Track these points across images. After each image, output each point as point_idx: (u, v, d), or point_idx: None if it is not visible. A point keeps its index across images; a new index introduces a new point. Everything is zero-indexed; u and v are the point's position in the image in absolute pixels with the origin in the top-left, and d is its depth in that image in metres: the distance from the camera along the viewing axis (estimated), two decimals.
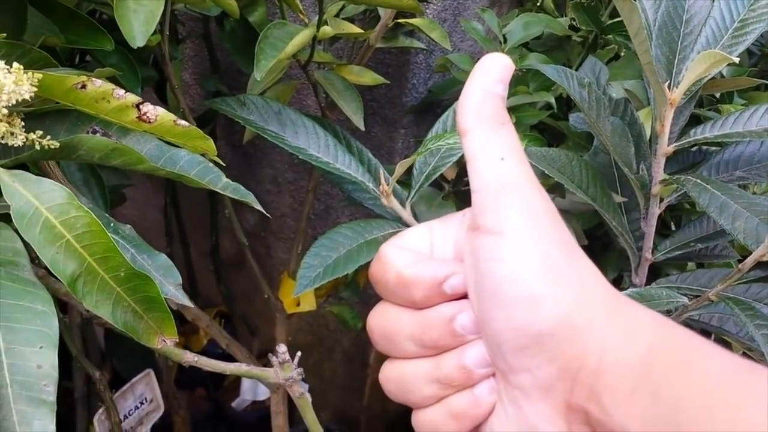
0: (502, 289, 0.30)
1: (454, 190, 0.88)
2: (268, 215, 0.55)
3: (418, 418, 0.34)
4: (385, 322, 0.34)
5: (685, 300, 0.72)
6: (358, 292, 1.12)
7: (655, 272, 0.89)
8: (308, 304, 1.05)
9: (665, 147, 0.76)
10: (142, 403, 1.05)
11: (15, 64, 0.39)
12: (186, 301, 0.50)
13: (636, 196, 0.82)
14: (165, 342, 0.49)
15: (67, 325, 0.97)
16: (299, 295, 1.03)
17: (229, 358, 1.53)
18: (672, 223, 1.04)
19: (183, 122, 0.46)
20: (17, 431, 0.39)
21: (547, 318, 0.29)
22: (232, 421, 1.47)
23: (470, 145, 0.31)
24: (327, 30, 0.71)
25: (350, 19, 0.80)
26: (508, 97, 0.88)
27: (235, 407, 1.48)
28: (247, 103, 0.72)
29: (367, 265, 0.69)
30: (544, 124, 0.97)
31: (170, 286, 0.49)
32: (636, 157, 0.81)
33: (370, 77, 0.81)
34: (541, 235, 0.30)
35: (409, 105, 1.06)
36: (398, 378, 0.34)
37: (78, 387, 1.05)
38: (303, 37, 0.65)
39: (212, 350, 1.49)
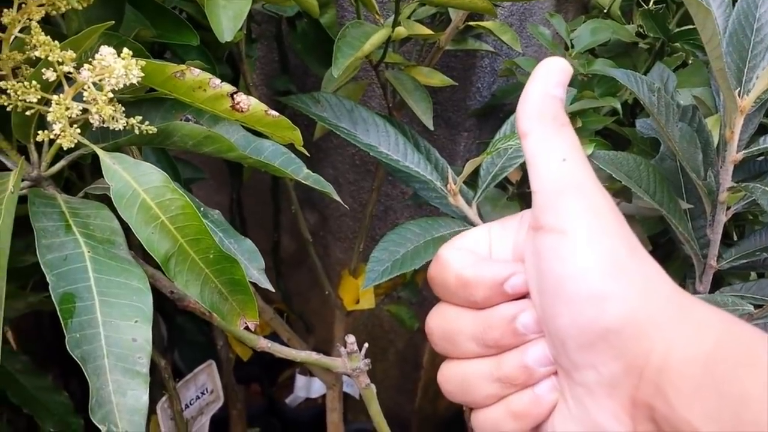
0: (566, 287, 0.30)
1: (518, 192, 0.88)
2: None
3: (478, 418, 0.34)
4: (444, 323, 0.35)
5: (751, 308, 0.72)
6: (417, 292, 1.13)
7: (717, 282, 0.88)
8: (367, 302, 1.06)
9: (734, 154, 0.76)
10: (203, 393, 1.07)
11: (125, 50, 0.41)
12: (268, 285, 0.52)
13: (702, 203, 0.82)
14: (246, 324, 0.51)
15: None
16: (360, 293, 1.05)
17: None
18: (734, 232, 1.03)
19: (273, 112, 0.48)
20: (113, 400, 0.41)
21: (613, 315, 0.29)
22: (285, 417, 1.50)
23: (531, 146, 0.32)
24: (401, 31, 0.73)
25: (420, 22, 0.82)
26: (573, 102, 0.89)
27: (289, 404, 1.50)
28: (321, 100, 0.74)
29: (426, 265, 0.70)
30: (609, 130, 0.97)
31: (254, 270, 0.51)
32: (704, 164, 0.81)
33: (438, 79, 0.82)
34: (605, 233, 0.30)
35: (472, 108, 1.07)
36: (458, 378, 0.35)
37: None
38: (379, 36, 0.66)
39: None
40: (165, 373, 0.99)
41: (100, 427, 0.40)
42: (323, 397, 1.50)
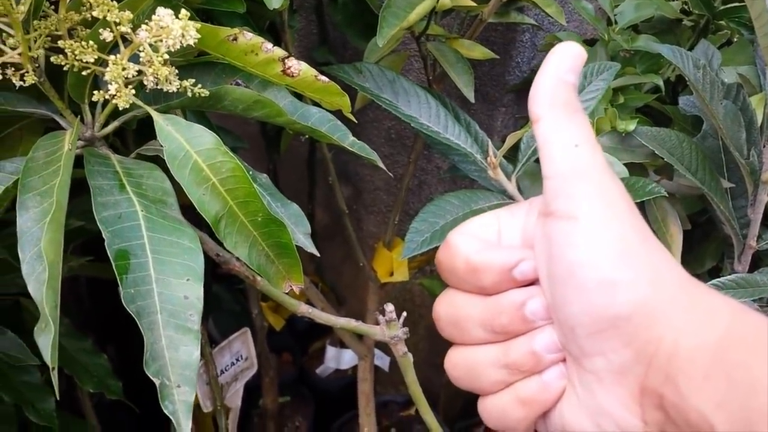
0: (577, 274, 0.30)
1: None
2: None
3: (485, 405, 0.34)
4: (452, 309, 0.35)
5: None
6: None
7: (755, 263, 0.87)
8: (401, 274, 1.07)
9: None
10: (237, 360, 1.09)
11: (183, 11, 0.42)
12: (313, 249, 0.53)
13: (744, 182, 0.81)
14: (291, 287, 0.52)
15: None
16: (394, 265, 1.06)
17: (316, 324, 1.57)
18: None
19: (323, 78, 0.48)
20: (165, 355, 0.42)
21: (624, 301, 0.29)
22: (315, 387, 1.52)
23: (543, 131, 0.31)
24: (445, 2, 0.72)
25: None
26: (615, 78, 0.88)
27: (319, 374, 1.52)
28: (363, 70, 0.74)
29: None
30: (650, 108, 0.96)
31: (300, 235, 0.52)
32: (747, 142, 0.80)
33: (480, 52, 0.82)
34: (616, 220, 0.30)
35: (511, 83, 1.07)
36: (465, 364, 0.34)
37: None
38: (424, 7, 0.66)
39: (299, 318, 1.54)
40: (202, 339, 1.00)
41: (154, 380, 0.41)
42: (353, 368, 1.52)
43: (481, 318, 0.33)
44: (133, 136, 0.80)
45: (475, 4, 0.78)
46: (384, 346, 1.45)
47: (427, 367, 1.53)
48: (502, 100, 1.09)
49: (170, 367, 0.41)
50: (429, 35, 0.82)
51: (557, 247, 0.31)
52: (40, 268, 0.40)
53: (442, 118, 0.76)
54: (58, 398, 0.42)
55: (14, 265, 0.83)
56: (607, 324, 0.29)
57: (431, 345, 1.44)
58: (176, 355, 0.42)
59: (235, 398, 1.12)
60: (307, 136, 1.14)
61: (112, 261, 0.42)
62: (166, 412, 0.41)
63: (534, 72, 1.05)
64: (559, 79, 0.32)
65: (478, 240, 0.34)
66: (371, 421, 1.17)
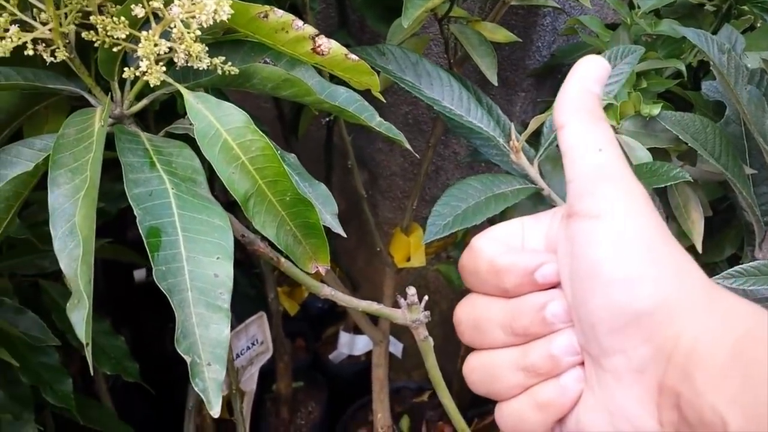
0: (599, 271, 0.30)
1: None
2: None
3: (501, 410, 0.35)
4: (474, 312, 0.35)
5: None
6: None
7: None
8: (418, 260, 1.06)
9: None
10: (253, 344, 1.09)
11: None
12: (340, 230, 0.52)
13: (766, 168, 0.80)
14: (317, 268, 0.52)
15: None
16: (411, 250, 1.05)
17: (330, 310, 1.57)
18: None
19: (353, 56, 0.48)
20: (196, 332, 0.42)
21: (646, 297, 0.29)
22: (328, 373, 1.52)
23: (568, 137, 0.33)
24: None
25: None
26: (638, 63, 0.87)
27: (332, 360, 1.52)
28: (386, 52, 0.74)
29: (482, 225, 0.70)
30: (671, 93, 0.95)
31: (327, 215, 0.52)
32: None
33: (502, 35, 0.82)
34: (640, 219, 0.31)
35: (531, 68, 1.06)
36: (483, 368, 0.35)
37: None
38: None
39: (313, 303, 1.54)
40: None
41: (184, 357, 0.41)
42: (366, 355, 1.52)
43: (502, 320, 0.34)
44: (155, 117, 0.80)
45: None
46: (396, 332, 1.45)
47: (440, 354, 1.53)
48: (522, 84, 1.08)
49: (201, 344, 0.41)
50: (451, 17, 0.81)
51: (580, 246, 0.31)
52: (72, 244, 0.40)
53: (465, 101, 0.75)
54: (92, 375, 0.42)
55: (34, 246, 0.83)
56: (629, 320, 0.30)
57: (445, 332, 1.43)
58: (206, 333, 0.42)
59: (250, 382, 1.12)
60: (328, 119, 1.14)
61: (144, 238, 0.42)
62: (196, 389, 0.41)
63: (554, 56, 1.05)
64: (585, 89, 0.33)
65: (502, 244, 0.35)
66: (385, 407, 1.17)
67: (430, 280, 1.40)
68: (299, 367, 1.45)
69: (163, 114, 0.74)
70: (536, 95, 1.10)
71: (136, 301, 1.27)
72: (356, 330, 1.49)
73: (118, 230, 1.06)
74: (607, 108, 0.78)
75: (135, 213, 0.42)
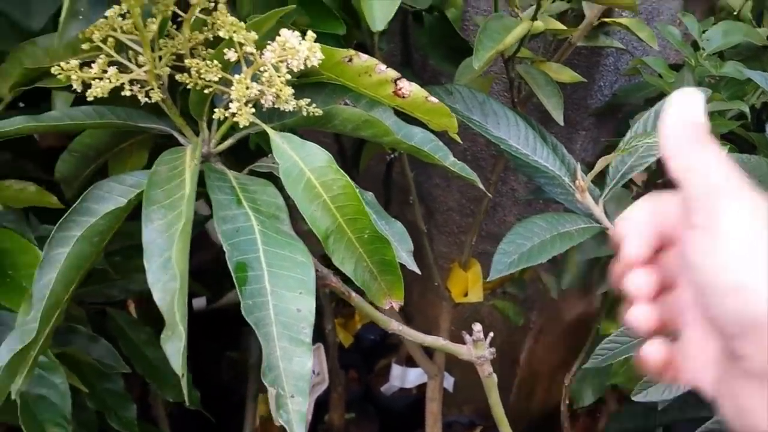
0: (711, 280, 0.31)
1: (643, 192, 0.87)
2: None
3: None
4: None
5: None
6: (525, 288, 1.13)
7: None
8: (476, 295, 1.07)
9: None
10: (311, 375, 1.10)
11: (309, 33, 0.43)
12: (414, 267, 0.53)
13: None
14: (392, 304, 0.53)
15: None
16: (469, 285, 1.06)
17: (382, 342, 1.58)
18: None
19: (433, 99, 0.49)
20: (280, 365, 0.43)
21: (756, 306, 0.30)
22: (379, 405, 1.52)
23: (681, 161, 0.33)
24: (539, 25, 0.73)
25: (551, 17, 0.82)
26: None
27: (384, 392, 1.52)
28: (453, 92, 0.75)
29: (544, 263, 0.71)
30: (734, 135, 0.95)
31: (403, 252, 0.53)
32: None
33: (568, 75, 0.82)
34: (755, 230, 0.31)
35: (593, 107, 1.06)
36: None
37: (253, 355, 1.11)
38: (521, 30, 0.67)
39: (365, 335, 1.55)
40: None
41: (269, 389, 0.42)
42: (417, 387, 1.52)
43: None
44: (232, 157, 0.83)
45: (566, 28, 0.79)
46: (448, 367, 1.45)
47: None
48: (583, 123, 1.08)
49: (284, 377, 0.43)
50: (517, 57, 0.82)
51: (694, 256, 0.33)
52: (166, 277, 0.41)
53: (531, 140, 0.76)
54: (187, 404, 0.43)
55: (106, 275, 0.86)
56: (744, 328, 0.30)
57: (498, 367, 1.43)
58: (290, 366, 0.43)
59: (306, 413, 1.13)
60: (392, 155, 1.15)
61: (232, 272, 0.43)
62: (280, 420, 0.42)
63: (616, 96, 1.05)
64: (692, 119, 0.34)
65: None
66: None
67: (484, 315, 1.40)
68: (351, 399, 1.46)
69: (234, 151, 0.76)
70: (597, 134, 1.10)
71: (195, 330, 1.29)
72: (408, 362, 1.49)
73: None
74: None
75: (224, 248, 0.44)
